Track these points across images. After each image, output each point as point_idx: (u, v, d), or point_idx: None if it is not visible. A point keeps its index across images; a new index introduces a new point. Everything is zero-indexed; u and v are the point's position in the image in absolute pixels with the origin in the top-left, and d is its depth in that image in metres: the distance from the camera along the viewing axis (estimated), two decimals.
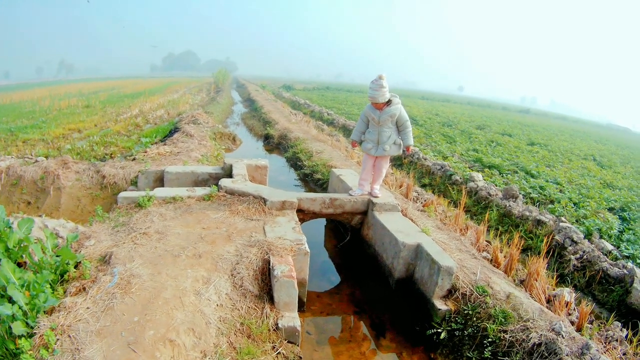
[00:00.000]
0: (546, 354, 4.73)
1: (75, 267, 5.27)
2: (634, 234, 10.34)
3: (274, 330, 4.99)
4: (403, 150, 8.10)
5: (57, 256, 5.16)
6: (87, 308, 4.21)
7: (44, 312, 4.23)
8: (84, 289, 4.71)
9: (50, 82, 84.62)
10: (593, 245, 9.12)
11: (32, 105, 28.68)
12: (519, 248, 7.16)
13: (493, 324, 5.35)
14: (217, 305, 4.78)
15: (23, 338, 3.77)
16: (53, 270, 5.01)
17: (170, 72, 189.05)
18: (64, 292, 4.75)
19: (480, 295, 5.80)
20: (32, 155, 12.12)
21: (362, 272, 7.90)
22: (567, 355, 4.60)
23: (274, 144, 19.88)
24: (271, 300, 5.33)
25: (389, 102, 7.59)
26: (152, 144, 14.32)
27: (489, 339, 5.26)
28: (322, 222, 9.77)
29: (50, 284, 4.75)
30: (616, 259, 8.77)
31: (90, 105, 29.07)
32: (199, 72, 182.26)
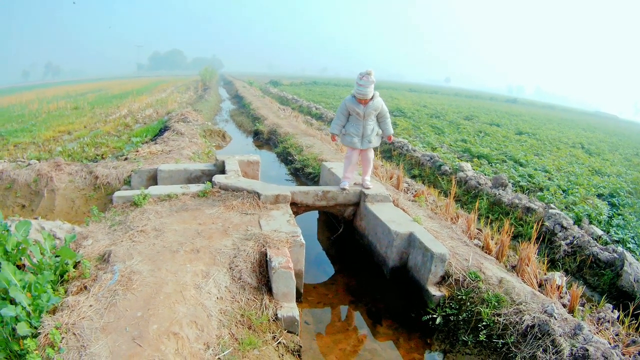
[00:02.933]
0: (540, 335, 4.82)
1: (75, 267, 5.30)
2: (623, 219, 10.50)
3: (273, 320, 5.08)
4: (384, 139, 8.33)
5: (56, 257, 5.20)
6: (90, 306, 4.27)
7: (47, 312, 4.28)
8: (85, 287, 4.76)
9: (37, 85, 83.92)
10: (583, 230, 9.26)
11: (21, 109, 28.46)
12: (509, 235, 7.25)
13: (487, 308, 5.46)
14: (218, 298, 4.86)
15: (28, 338, 3.80)
16: (53, 271, 5.03)
17: (157, 71, 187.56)
18: (65, 291, 4.78)
19: (473, 281, 5.92)
20: (24, 158, 12.09)
21: (356, 263, 7.98)
22: (560, 336, 4.69)
23: (264, 139, 19.91)
24: (269, 291, 5.41)
25: (372, 96, 7.70)
26: (143, 143, 14.30)
27: (483, 323, 5.36)
28: (315, 214, 9.85)
29: (51, 284, 4.77)
30: (606, 243, 8.92)
31: (78, 107, 28.85)
32: (186, 70, 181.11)
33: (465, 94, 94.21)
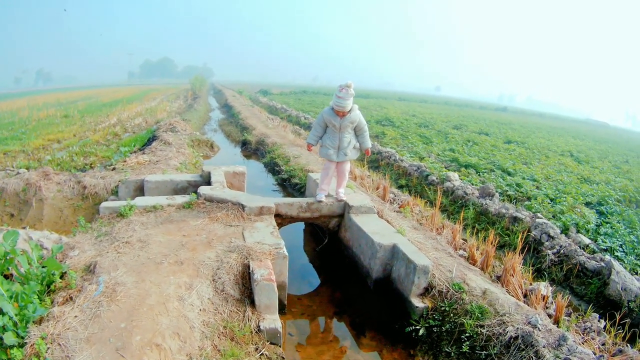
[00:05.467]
0: (523, 347, 4.85)
1: (61, 277, 5.31)
2: (611, 227, 10.58)
3: (256, 332, 5.11)
4: (362, 153, 8.33)
5: (42, 267, 5.22)
6: (75, 317, 4.29)
7: (34, 322, 4.30)
8: (71, 298, 4.78)
9: (28, 92, 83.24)
10: (570, 239, 9.32)
11: (11, 116, 28.34)
12: (494, 245, 7.31)
13: (470, 319, 5.49)
14: (200, 309, 4.89)
15: (15, 348, 3.84)
16: (39, 281, 5.06)
17: (148, 79, 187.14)
18: (51, 302, 4.80)
19: (456, 292, 5.95)
20: (13, 167, 12.09)
21: (341, 274, 8.01)
22: (543, 347, 4.73)
23: (252, 149, 19.91)
24: (252, 303, 5.44)
25: (350, 109, 7.71)
26: (131, 153, 14.27)
27: (467, 334, 5.39)
28: (301, 225, 9.83)
29: (37, 295, 4.80)
30: (593, 252, 8.98)
31: (68, 115, 28.75)
32: (177, 78, 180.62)
33: (455, 103, 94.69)
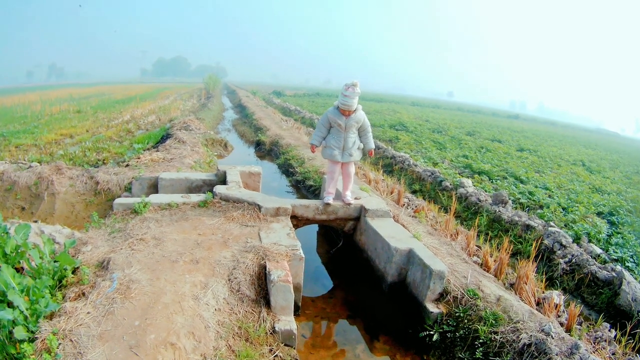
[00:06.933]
0: (536, 354, 4.81)
1: (73, 272, 5.29)
2: (622, 237, 10.47)
3: (271, 333, 5.07)
4: (366, 154, 8.27)
5: (55, 262, 5.19)
6: (88, 313, 4.27)
7: (45, 317, 4.26)
8: (83, 294, 4.76)
9: (40, 87, 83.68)
10: (582, 249, 9.23)
11: (24, 110, 28.46)
12: (508, 252, 7.26)
13: (484, 325, 5.45)
14: (216, 309, 4.86)
15: (25, 343, 3.79)
16: (51, 276, 5.03)
17: (161, 77, 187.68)
18: (63, 297, 4.77)
19: (471, 298, 5.90)
20: (25, 160, 12.11)
21: (355, 277, 7.97)
22: (556, 355, 4.68)
23: (266, 150, 19.87)
24: (268, 304, 5.41)
25: (355, 109, 7.65)
26: (144, 150, 14.28)
27: (480, 340, 5.35)
28: (314, 227, 9.82)
29: (49, 290, 4.76)
30: (605, 262, 8.88)
31: (81, 111, 28.90)
32: (190, 77, 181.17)
33: (468, 109, 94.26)
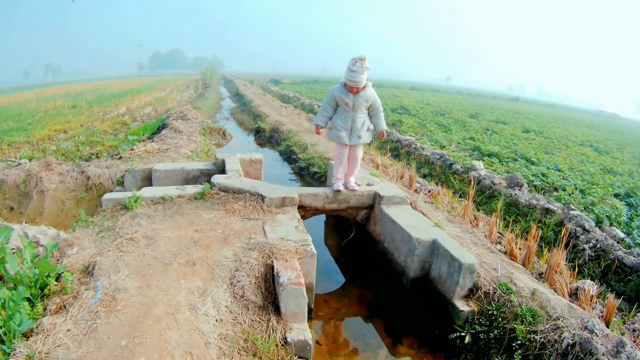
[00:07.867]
0: (581, 355, 4.36)
1: (57, 279, 4.77)
2: None
3: (282, 345, 4.51)
4: (375, 136, 7.75)
5: (36, 268, 4.66)
6: (68, 330, 3.71)
7: (22, 334, 3.77)
8: (65, 306, 4.20)
9: (37, 85, 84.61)
10: (605, 233, 8.76)
11: (19, 108, 28.61)
12: (536, 239, 6.71)
13: (521, 324, 4.94)
14: (217, 320, 4.28)
15: None
16: (32, 284, 4.55)
17: (158, 70, 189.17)
18: (44, 308, 4.28)
19: (504, 293, 5.38)
20: (15, 158, 11.68)
21: (370, 271, 7.46)
22: (602, 355, 4.26)
23: (266, 137, 19.60)
24: (277, 310, 4.84)
25: (364, 85, 6.99)
26: (139, 142, 13.88)
27: (518, 341, 4.84)
28: (322, 217, 9.30)
29: (30, 299, 4.35)
30: (629, 247, 8.45)
31: (76, 106, 28.96)
32: (186, 69, 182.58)
33: (467, 92, 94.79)
